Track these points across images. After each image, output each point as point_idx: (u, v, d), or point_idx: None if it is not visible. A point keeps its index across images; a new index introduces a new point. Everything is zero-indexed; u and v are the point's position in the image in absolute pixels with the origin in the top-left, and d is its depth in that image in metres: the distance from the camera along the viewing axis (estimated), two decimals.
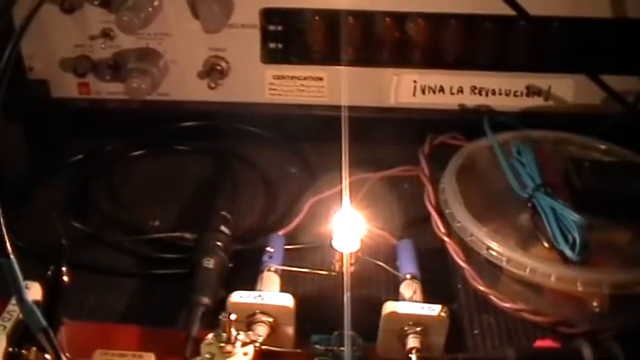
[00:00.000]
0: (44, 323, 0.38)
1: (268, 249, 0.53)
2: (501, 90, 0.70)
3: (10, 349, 0.42)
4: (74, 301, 0.51)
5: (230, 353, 0.43)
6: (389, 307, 0.46)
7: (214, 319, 0.44)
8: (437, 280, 0.54)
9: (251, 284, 0.50)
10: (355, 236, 0.49)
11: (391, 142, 0.69)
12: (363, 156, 0.64)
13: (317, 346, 0.47)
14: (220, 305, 0.47)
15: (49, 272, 0.45)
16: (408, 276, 0.51)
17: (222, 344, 0.43)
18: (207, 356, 0.43)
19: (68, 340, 0.46)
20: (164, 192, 0.65)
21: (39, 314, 0.38)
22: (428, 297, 0.50)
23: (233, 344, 0.43)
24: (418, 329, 0.46)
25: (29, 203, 0.62)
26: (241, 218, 0.60)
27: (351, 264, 0.48)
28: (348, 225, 0.49)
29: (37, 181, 0.65)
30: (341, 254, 0.48)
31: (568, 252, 0.51)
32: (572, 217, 0.52)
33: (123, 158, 0.68)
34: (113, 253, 0.58)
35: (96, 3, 0.65)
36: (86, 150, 0.68)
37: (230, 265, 0.53)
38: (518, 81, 0.70)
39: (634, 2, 0.65)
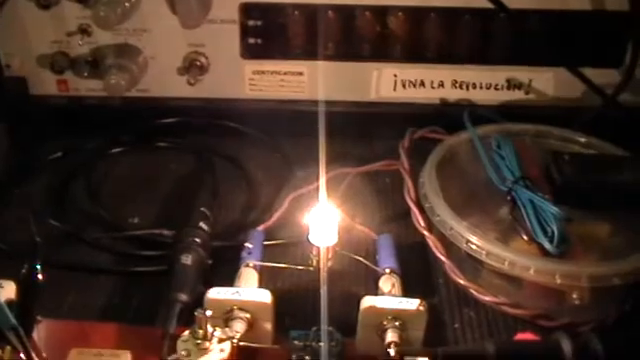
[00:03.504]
0: (14, 321, 0.37)
1: (247, 245, 0.53)
2: (482, 84, 0.70)
3: None
4: (52, 299, 0.51)
5: (206, 350, 0.43)
6: (367, 301, 0.46)
7: (192, 316, 0.44)
8: (417, 274, 0.54)
9: (231, 280, 0.50)
10: (332, 231, 0.49)
11: (372, 136, 0.68)
12: (343, 151, 0.64)
13: (295, 342, 0.46)
14: (198, 302, 0.47)
15: (23, 270, 0.45)
16: (387, 270, 0.51)
17: (198, 341, 0.43)
18: (183, 353, 0.42)
19: (44, 338, 0.46)
20: (143, 189, 0.64)
21: (8, 312, 0.37)
22: (408, 291, 0.50)
23: (209, 340, 0.43)
24: (397, 323, 0.46)
25: (6, 201, 0.61)
26: (221, 214, 0.60)
27: (329, 259, 0.48)
28: (325, 220, 0.48)
29: (15, 179, 0.64)
30: (318, 249, 0.48)
31: (547, 245, 0.51)
32: (551, 210, 0.52)
33: (102, 155, 0.68)
34: (91, 250, 0.57)
35: None
36: (65, 147, 0.68)
37: (209, 261, 0.52)
38: (498, 74, 0.69)
39: None
